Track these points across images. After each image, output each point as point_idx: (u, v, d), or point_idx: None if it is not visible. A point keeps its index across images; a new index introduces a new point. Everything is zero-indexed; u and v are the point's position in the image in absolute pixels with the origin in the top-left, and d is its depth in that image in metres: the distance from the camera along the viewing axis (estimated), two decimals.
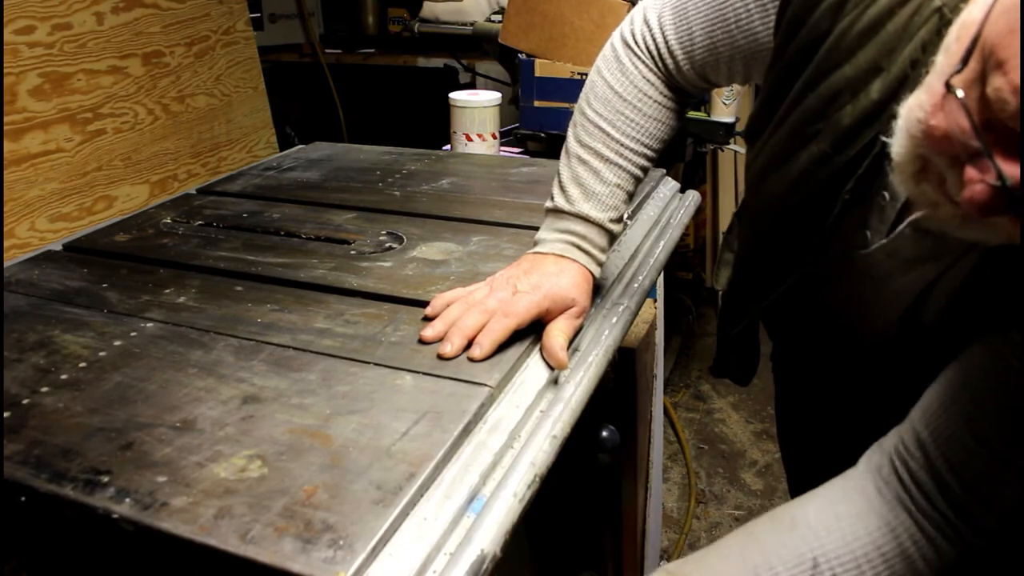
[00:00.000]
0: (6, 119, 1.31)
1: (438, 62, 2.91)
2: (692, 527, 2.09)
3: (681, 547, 2.02)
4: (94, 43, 1.46)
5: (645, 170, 0.87)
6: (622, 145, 0.84)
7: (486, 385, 0.70)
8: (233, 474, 0.59)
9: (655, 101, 0.84)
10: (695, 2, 0.78)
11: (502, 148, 1.73)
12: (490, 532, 0.56)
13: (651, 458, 1.41)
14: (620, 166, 0.85)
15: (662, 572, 0.73)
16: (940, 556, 0.67)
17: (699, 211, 1.66)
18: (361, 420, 0.65)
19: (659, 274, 1.06)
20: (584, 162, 0.85)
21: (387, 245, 1.03)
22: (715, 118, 1.93)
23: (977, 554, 0.67)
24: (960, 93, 0.49)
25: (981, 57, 0.48)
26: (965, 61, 0.49)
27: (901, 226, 0.67)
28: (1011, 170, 0.47)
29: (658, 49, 0.82)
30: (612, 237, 0.87)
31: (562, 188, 0.86)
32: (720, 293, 0.98)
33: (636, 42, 0.84)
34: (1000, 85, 0.46)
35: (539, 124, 1.76)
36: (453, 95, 1.61)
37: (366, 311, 0.85)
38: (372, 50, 3.16)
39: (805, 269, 0.78)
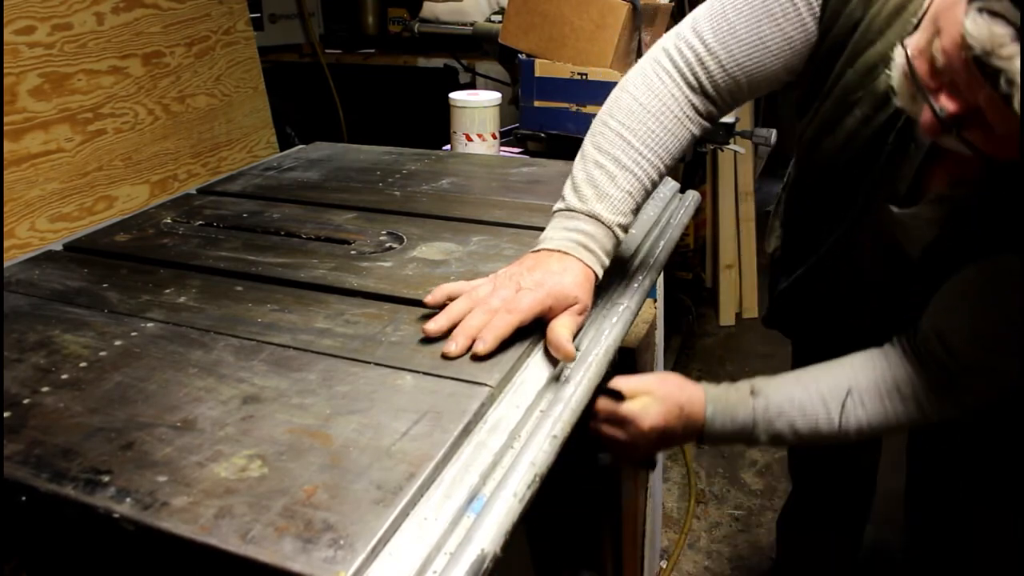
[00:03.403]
0: (6, 119, 1.31)
1: (438, 62, 2.91)
2: (692, 527, 2.09)
3: (681, 547, 2.02)
4: (94, 43, 1.46)
5: (655, 184, 0.91)
6: (640, 154, 0.88)
7: (486, 385, 0.70)
8: (233, 474, 0.59)
9: (676, 117, 0.90)
10: (736, 33, 0.88)
11: (502, 148, 1.73)
12: (490, 532, 0.56)
13: None
14: (635, 174, 0.88)
15: (747, 383, 0.97)
16: (941, 409, 0.92)
17: (699, 211, 1.66)
18: (361, 420, 0.66)
19: (659, 274, 1.06)
20: (601, 166, 0.88)
21: (387, 245, 1.03)
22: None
23: (968, 420, 0.95)
24: (908, 50, 0.70)
25: (931, 24, 0.68)
26: (916, 26, 0.71)
27: (923, 202, 0.88)
28: (949, 105, 0.67)
29: (695, 57, 0.89)
30: (616, 243, 0.89)
31: (575, 188, 0.88)
32: (771, 254, 1.22)
33: (671, 59, 0.90)
34: (937, 46, 0.67)
35: (539, 124, 1.76)
36: (453, 95, 1.61)
37: (366, 311, 0.85)
38: (372, 50, 3.16)
39: (854, 221, 0.96)
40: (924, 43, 0.69)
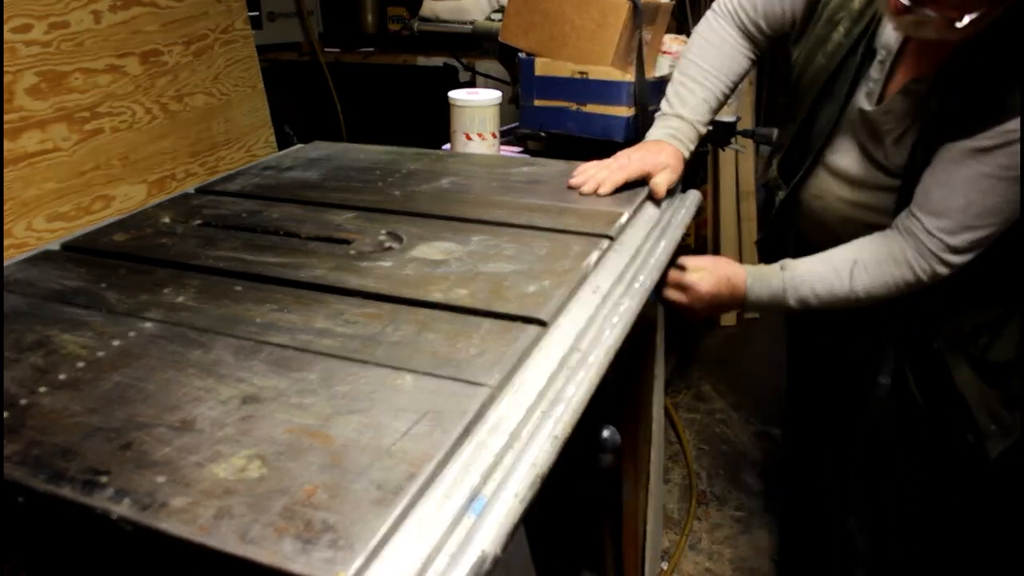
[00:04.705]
0: (3, 118, 1.30)
1: (438, 61, 2.91)
2: (693, 528, 2.09)
3: (682, 548, 2.02)
4: (91, 42, 1.46)
5: (725, 95, 1.36)
6: (709, 73, 1.34)
7: (486, 385, 0.70)
8: (233, 474, 0.59)
9: (731, 45, 1.34)
10: None
11: (502, 147, 1.72)
12: (491, 532, 0.56)
13: (651, 459, 1.41)
14: (706, 87, 1.34)
15: (777, 263, 1.23)
16: (932, 270, 1.14)
17: (700, 211, 1.66)
18: (361, 420, 0.65)
19: (660, 274, 1.06)
20: (683, 84, 1.35)
21: (387, 245, 1.03)
22: (715, 118, 1.93)
23: (951, 278, 1.15)
24: None
25: None
26: None
27: (888, 98, 1.16)
28: None
29: (734, 8, 1.33)
30: (698, 134, 1.34)
31: (667, 100, 1.35)
32: (765, 184, 1.51)
33: (722, 10, 1.35)
34: None
35: (539, 123, 1.75)
36: (453, 94, 1.61)
37: (366, 311, 0.85)
38: (371, 49, 3.15)
39: (838, 120, 1.23)
40: None
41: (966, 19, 0.96)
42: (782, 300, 1.22)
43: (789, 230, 1.45)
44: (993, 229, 1.10)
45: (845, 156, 1.27)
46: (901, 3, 0.97)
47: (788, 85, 1.35)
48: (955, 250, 1.12)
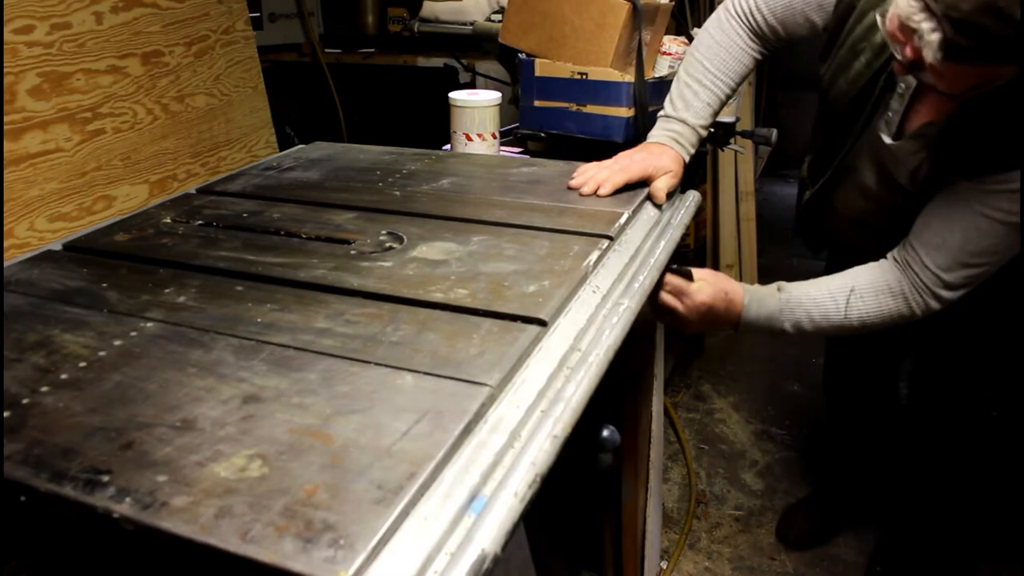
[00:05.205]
0: (5, 119, 1.31)
1: (438, 62, 2.91)
2: (692, 527, 2.09)
3: (681, 547, 2.02)
4: (93, 43, 1.46)
5: (728, 96, 1.36)
6: (714, 76, 1.33)
7: (486, 385, 0.70)
8: (233, 473, 0.59)
9: (739, 47, 1.33)
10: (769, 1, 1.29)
11: (502, 148, 1.73)
12: (491, 532, 0.56)
13: (651, 458, 1.41)
14: (711, 90, 1.33)
15: (775, 284, 1.25)
16: (925, 304, 1.18)
17: (699, 211, 1.66)
18: (362, 420, 0.65)
19: (660, 274, 1.06)
20: (688, 85, 1.34)
21: (387, 245, 1.03)
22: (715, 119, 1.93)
23: (946, 313, 1.19)
24: (877, 16, 1.03)
25: None
26: None
27: (905, 136, 1.19)
28: (908, 53, 0.97)
29: (750, 9, 1.31)
30: (699, 138, 1.34)
31: (671, 101, 1.35)
32: (801, 178, 1.54)
33: (734, 9, 1.33)
34: (893, 11, 0.97)
35: (539, 124, 1.76)
36: (453, 95, 1.61)
37: (366, 311, 0.85)
38: (372, 50, 3.16)
39: (855, 143, 1.27)
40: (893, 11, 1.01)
41: (959, 95, 0.99)
42: (777, 321, 1.23)
43: (820, 221, 1.50)
44: (986, 268, 1.15)
45: (865, 173, 1.31)
46: (900, 66, 1.01)
47: (819, 91, 1.37)
48: (949, 286, 1.16)
